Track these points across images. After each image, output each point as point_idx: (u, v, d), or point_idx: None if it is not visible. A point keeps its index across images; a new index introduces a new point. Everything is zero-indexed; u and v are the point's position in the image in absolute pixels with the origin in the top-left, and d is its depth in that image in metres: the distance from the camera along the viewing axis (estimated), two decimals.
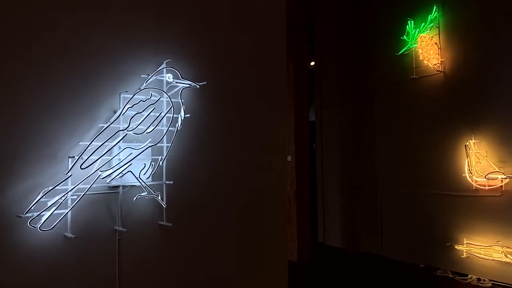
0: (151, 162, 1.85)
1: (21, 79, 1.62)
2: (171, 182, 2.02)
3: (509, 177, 3.77)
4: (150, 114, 1.82)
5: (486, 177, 3.88)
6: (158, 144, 1.87)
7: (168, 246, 2.04)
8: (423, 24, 4.56)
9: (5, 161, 1.56)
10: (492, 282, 3.88)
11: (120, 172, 1.73)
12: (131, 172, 1.76)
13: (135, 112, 1.78)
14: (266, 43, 2.59)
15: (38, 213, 1.55)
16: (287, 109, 3.02)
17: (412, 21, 4.65)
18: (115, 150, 1.77)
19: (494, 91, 3.99)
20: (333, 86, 5.82)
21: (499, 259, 3.80)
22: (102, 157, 1.68)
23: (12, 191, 1.57)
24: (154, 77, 1.93)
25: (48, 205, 1.57)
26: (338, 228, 5.63)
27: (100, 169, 1.69)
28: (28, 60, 1.64)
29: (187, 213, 2.12)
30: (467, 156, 4.08)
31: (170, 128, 1.94)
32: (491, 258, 3.86)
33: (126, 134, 1.77)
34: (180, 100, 1.97)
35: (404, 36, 4.68)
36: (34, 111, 1.64)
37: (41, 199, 1.55)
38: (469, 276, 4.05)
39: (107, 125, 1.74)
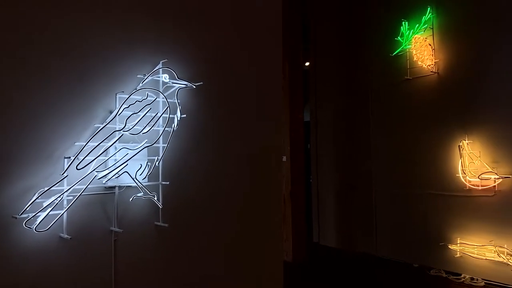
0: (147, 162, 1.85)
1: (16, 79, 1.61)
2: (167, 183, 2.02)
3: (502, 177, 3.81)
4: (146, 114, 1.82)
5: (480, 177, 3.91)
6: (154, 145, 1.87)
7: (164, 246, 2.04)
8: (417, 25, 4.59)
9: (0, 162, 1.55)
10: (485, 281, 3.91)
11: (116, 173, 1.73)
12: (127, 172, 1.76)
13: (131, 113, 1.78)
14: (262, 43, 2.60)
15: (34, 214, 1.54)
16: (282, 109, 3.03)
17: (406, 22, 4.68)
18: (111, 151, 1.76)
19: (487, 92, 4.03)
20: (328, 87, 5.84)
21: (492, 258, 3.84)
22: (98, 158, 1.68)
23: (8, 191, 1.56)
24: (150, 78, 1.93)
25: (44, 206, 1.56)
26: (333, 228, 5.65)
27: (96, 170, 1.69)
28: (24, 60, 1.63)
29: (183, 214, 2.13)
30: (461, 156, 4.11)
31: (166, 129, 1.94)
32: (484, 258, 3.89)
33: (122, 134, 1.76)
34: (176, 101, 1.97)
35: (399, 37, 4.70)
36: (29, 111, 1.63)
37: (37, 200, 1.55)
38: (462, 276, 4.08)
39: (103, 125, 1.74)
